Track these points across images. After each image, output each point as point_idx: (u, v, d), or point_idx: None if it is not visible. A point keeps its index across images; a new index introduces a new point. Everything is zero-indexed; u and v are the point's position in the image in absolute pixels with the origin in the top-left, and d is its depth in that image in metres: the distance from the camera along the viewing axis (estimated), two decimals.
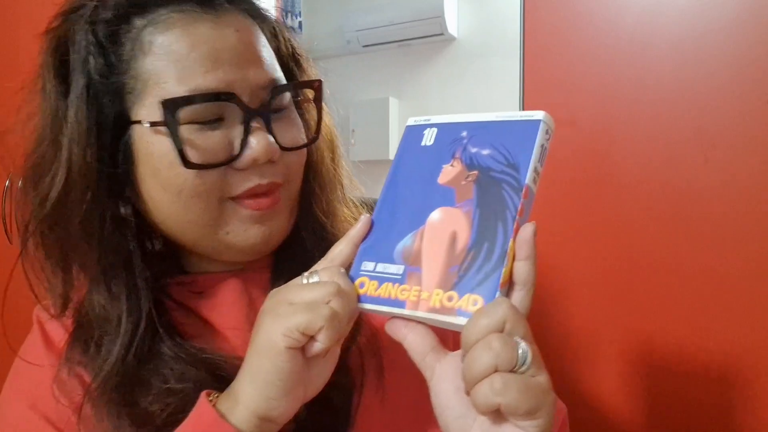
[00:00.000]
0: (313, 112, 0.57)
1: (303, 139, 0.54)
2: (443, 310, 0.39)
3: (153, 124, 0.48)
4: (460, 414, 0.40)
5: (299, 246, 0.56)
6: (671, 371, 0.85)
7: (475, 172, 0.43)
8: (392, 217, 0.46)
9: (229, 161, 0.49)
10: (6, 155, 0.61)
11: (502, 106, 1.13)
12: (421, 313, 0.40)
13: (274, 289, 0.44)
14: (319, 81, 0.55)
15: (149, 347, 0.51)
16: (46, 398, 0.51)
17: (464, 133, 0.46)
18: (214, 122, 0.49)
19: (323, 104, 0.57)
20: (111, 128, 0.50)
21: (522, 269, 0.39)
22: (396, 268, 0.43)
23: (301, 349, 0.41)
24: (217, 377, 0.49)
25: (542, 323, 0.92)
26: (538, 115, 0.42)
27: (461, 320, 0.38)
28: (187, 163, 0.47)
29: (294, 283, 0.43)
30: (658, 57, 0.85)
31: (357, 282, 0.44)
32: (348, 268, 0.45)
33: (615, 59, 0.88)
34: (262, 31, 0.54)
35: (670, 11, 0.85)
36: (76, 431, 0.50)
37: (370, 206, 0.57)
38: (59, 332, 0.57)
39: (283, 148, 0.51)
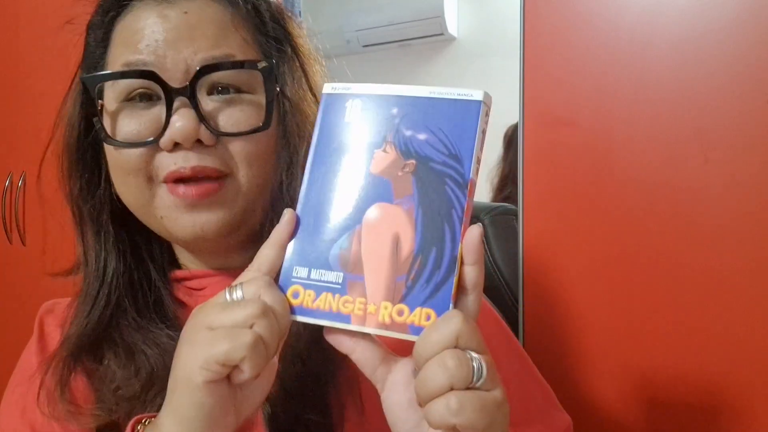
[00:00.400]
0: (301, 101, 0.54)
1: (253, 125, 0.50)
2: (394, 326, 0.37)
3: (82, 104, 0.53)
4: (413, 426, 0.38)
5: None
6: (671, 371, 0.85)
7: (413, 161, 0.39)
8: (321, 213, 0.40)
9: (152, 141, 0.48)
10: (7, 154, 0.62)
11: (502, 106, 1.12)
12: (369, 329, 0.37)
13: (198, 306, 0.40)
14: (266, 62, 0.51)
15: (115, 311, 0.52)
16: (32, 405, 0.51)
17: (394, 110, 0.40)
18: (149, 101, 0.50)
19: (304, 94, 0.54)
20: (89, 114, 0.53)
21: (471, 274, 0.37)
22: (334, 276, 0.39)
23: (226, 377, 0.37)
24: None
25: (541, 324, 0.92)
26: (477, 95, 0.39)
27: (414, 337, 0.36)
28: (106, 139, 0.50)
29: (215, 300, 0.39)
30: (658, 57, 0.85)
31: (290, 291, 0.39)
32: (277, 275, 0.40)
33: (615, 59, 0.88)
34: (235, 11, 0.52)
35: (670, 11, 0.85)
36: None
37: None
38: (56, 334, 0.56)
39: (217, 132, 0.49)
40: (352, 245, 0.39)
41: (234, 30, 0.51)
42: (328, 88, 0.43)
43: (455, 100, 0.39)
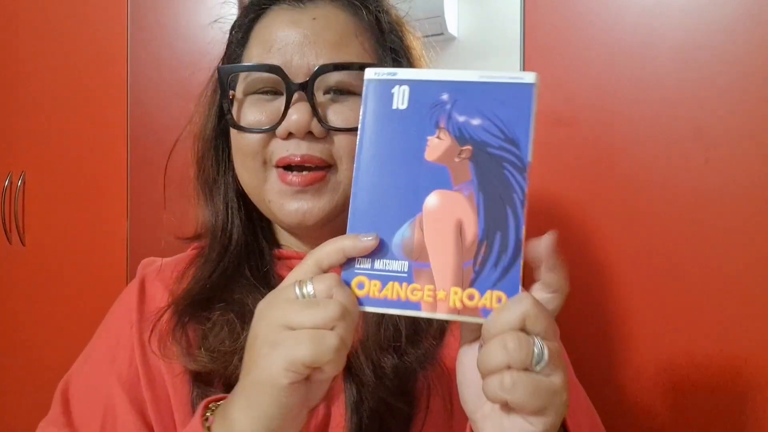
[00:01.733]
0: None
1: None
2: (466, 310, 0.37)
3: (216, 92, 0.60)
4: (477, 392, 0.40)
5: None
6: (671, 371, 0.85)
7: (469, 147, 0.39)
8: (379, 203, 0.40)
9: (270, 128, 0.55)
10: (7, 154, 0.65)
11: None
12: (441, 315, 0.38)
13: (264, 302, 0.41)
14: (367, 65, 0.54)
15: (233, 275, 0.57)
16: (123, 356, 0.55)
17: (445, 96, 0.40)
18: (274, 94, 0.56)
19: None
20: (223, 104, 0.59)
21: (549, 279, 0.39)
22: (399, 265, 0.39)
23: (305, 380, 0.38)
24: None
25: None
26: (529, 77, 0.38)
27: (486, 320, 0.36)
28: (232, 123, 0.57)
29: (286, 296, 0.39)
30: (658, 57, 0.85)
31: (354, 282, 0.40)
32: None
33: (615, 59, 0.88)
34: (358, 20, 0.58)
35: (670, 11, 0.85)
36: (140, 392, 0.53)
37: None
38: (158, 289, 0.60)
39: (327, 127, 0.54)
40: (414, 233, 0.39)
41: (354, 38, 0.57)
42: (370, 73, 0.42)
43: (507, 83, 0.39)
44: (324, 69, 0.54)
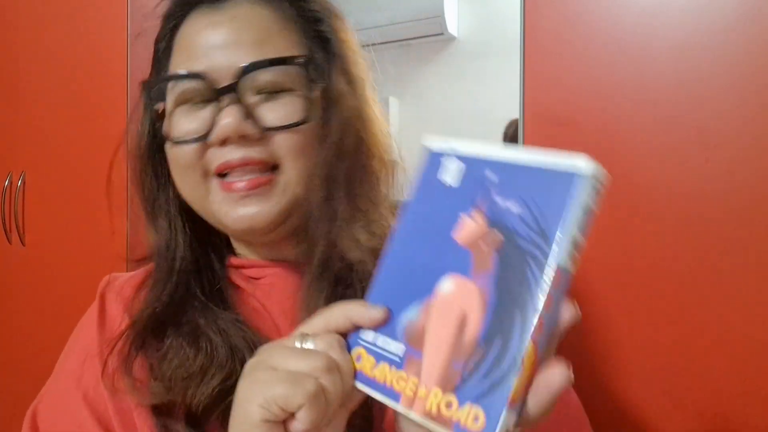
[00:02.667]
0: (344, 97, 0.56)
1: (296, 120, 0.53)
2: (439, 418, 0.34)
3: (147, 107, 0.58)
4: None
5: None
6: (670, 371, 0.85)
7: (499, 236, 0.35)
8: (400, 275, 0.39)
9: (202, 137, 0.53)
10: (7, 154, 0.65)
11: (502, 106, 1.12)
12: (414, 415, 0.35)
13: (266, 345, 0.41)
14: (303, 58, 0.54)
15: (183, 296, 0.55)
16: (89, 374, 0.54)
17: (490, 174, 0.37)
18: (203, 103, 0.54)
19: (347, 90, 0.57)
20: (154, 119, 0.58)
21: (535, 411, 0.33)
22: (396, 347, 0.37)
23: (283, 424, 0.37)
24: (233, 351, 0.51)
25: None
26: (581, 164, 0.34)
27: None
28: (166, 137, 0.55)
29: (285, 343, 0.40)
30: (658, 57, 0.85)
31: (354, 353, 0.39)
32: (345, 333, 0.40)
33: (615, 59, 0.88)
34: (280, 14, 0.56)
35: (670, 11, 0.85)
36: (106, 409, 0.52)
37: None
38: (117, 309, 0.59)
39: (261, 127, 0.52)
40: (419, 318, 0.37)
41: (278, 32, 0.55)
42: (433, 144, 0.41)
43: (555, 171, 0.34)
44: (249, 68, 0.52)
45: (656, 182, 0.85)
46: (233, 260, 0.60)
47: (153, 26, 0.61)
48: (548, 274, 0.32)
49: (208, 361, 0.51)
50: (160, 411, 0.50)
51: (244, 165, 0.52)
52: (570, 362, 0.34)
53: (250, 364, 0.40)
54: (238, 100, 0.52)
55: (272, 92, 0.54)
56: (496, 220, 0.36)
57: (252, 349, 0.51)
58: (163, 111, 0.57)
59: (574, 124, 0.90)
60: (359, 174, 0.56)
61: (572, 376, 0.33)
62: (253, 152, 0.52)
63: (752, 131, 0.80)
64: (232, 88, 0.52)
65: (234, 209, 0.53)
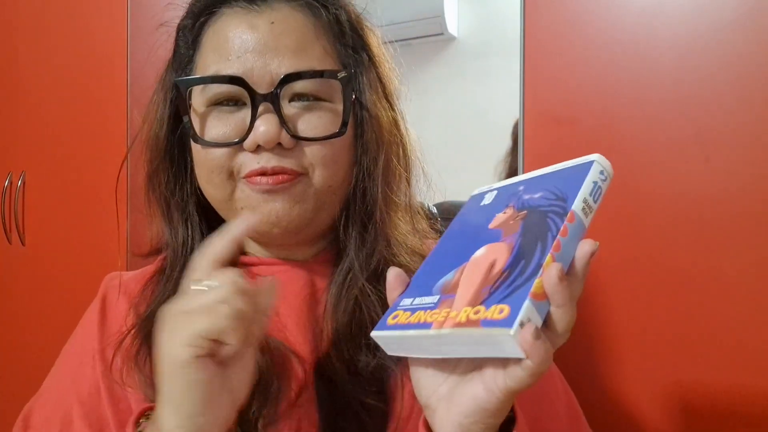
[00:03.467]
0: (379, 109, 0.57)
1: (330, 131, 0.54)
2: (468, 323, 0.36)
3: (171, 103, 0.56)
4: (432, 374, 0.42)
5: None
6: (670, 370, 0.85)
7: (525, 212, 0.42)
8: (440, 261, 0.45)
9: (237, 142, 0.53)
10: (7, 154, 0.64)
11: (502, 106, 1.12)
12: (444, 330, 0.37)
13: (166, 305, 0.42)
14: (344, 72, 0.55)
15: None
16: (85, 376, 0.54)
17: (521, 188, 0.45)
18: (236, 105, 0.54)
19: (380, 103, 0.58)
20: (178, 113, 0.57)
21: (557, 317, 0.36)
22: (431, 299, 0.41)
23: (210, 357, 0.39)
24: None
25: None
26: (593, 156, 0.42)
27: (483, 330, 0.35)
28: (196, 139, 0.54)
29: (183, 293, 0.42)
30: (658, 57, 0.85)
31: (391, 314, 0.43)
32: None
33: (615, 59, 0.88)
34: (317, 21, 0.56)
35: (670, 11, 0.85)
36: (101, 411, 0.52)
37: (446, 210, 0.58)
38: (121, 306, 0.59)
39: (296, 137, 0.53)
40: (455, 276, 0.41)
41: (315, 39, 0.55)
42: (476, 191, 0.50)
43: (572, 166, 0.42)
44: (289, 78, 0.52)
45: (656, 182, 0.85)
46: (243, 258, 0.60)
47: (176, 17, 0.60)
48: (565, 215, 0.38)
49: None
50: None
51: (276, 174, 0.53)
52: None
53: (161, 321, 0.41)
54: (276, 109, 0.52)
55: (306, 99, 0.54)
56: (522, 206, 0.42)
57: (260, 350, 0.52)
58: (184, 105, 0.56)
59: (574, 124, 0.90)
60: (393, 181, 0.58)
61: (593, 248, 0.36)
62: (285, 162, 0.53)
63: (752, 131, 0.80)
64: (270, 97, 0.52)
65: (261, 205, 0.53)
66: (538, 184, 0.43)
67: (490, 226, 0.43)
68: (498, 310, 0.35)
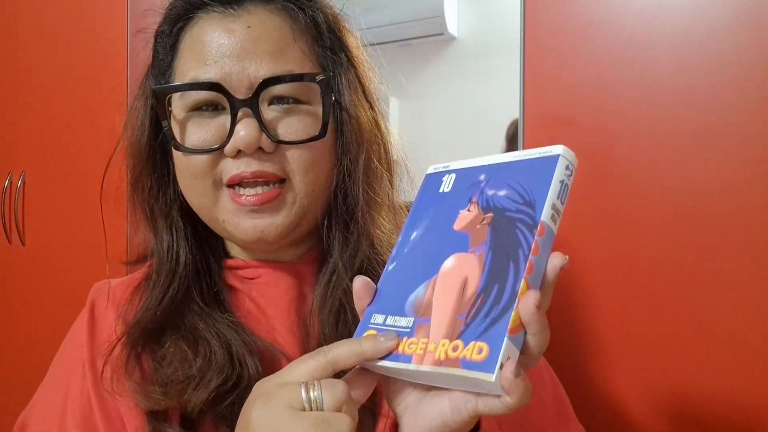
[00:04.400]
0: (359, 110, 0.57)
1: (310, 134, 0.53)
2: (447, 362, 0.36)
3: (152, 109, 0.56)
4: (399, 385, 0.42)
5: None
6: (669, 370, 0.85)
7: (490, 214, 0.40)
8: (406, 268, 0.43)
9: (217, 148, 0.52)
10: (7, 154, 0.64)
11: (502, 106, 1.12)
12: (425, 368, 0.37)
13: (264, 399, 0.38)
14: (323, 75, 0.54)
15: (183, 299, 0.55)
16: (77, 387, 0.54)
17: (482, 177, 0.43)
18: (215, 110, 0.54)
19: (360, 103, 0.57)
20: (159, 119, 0.56)
21: (533, 344, 0.36)
22: (406, 321, 0.40)
23: None
24: (231, 354, 0.51)
25: None
26: (557, 149, 0.40)
27: (464, 372, 0.34)
28: (177, 146, 0.54)
29: (291, 401, 0.37)
30: (658, 57, 0.85)
31: (364, 336, 0.41)
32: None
33: (615, 59, 0.88)
34: (294, 23, 0.55)
35: (670, 11, 0.85)
36: (95, 423, 0.52)
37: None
38: (110, 315, 0.58)
39: (276, 141, 0.52)
40: (426, 293, 0.40)
41: (293, 42, 0.55)
42: (430, 169, 0.48)
43: (535, 158, 0.40)
44: (268, 83, 0.52)
45: (655, 181, 0.85)
46: (228, 262, 0.60)
47: (153, 24, 0.60)
48: (535, 228, 0.37)
49: (206, 365, 0.51)
50: (156, 414, 0.50)
51: (257, 178, 0.52)
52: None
53: (261, 420, 0.37)
54: (255, 113, 0.52)
55: (285, 103, 0.54)
56: (488, 205, 0.41)
57: (250, 352, 0.52)
58: (163, 113, 0.55)
59: (574, 124, 0.90)
60: (374, 181, 0.57)
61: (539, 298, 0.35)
62: (266, 166, 0.52)
63: (752, 131, 0.80)
64: (249, 102, 0.51)
65: (244, 221, 0.53)
66: (501, 177, 0.41)
67: (456, 227, 0.42)
68: (477, 349, 0.35)
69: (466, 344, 0.35)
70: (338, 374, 0.40)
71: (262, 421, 0.37)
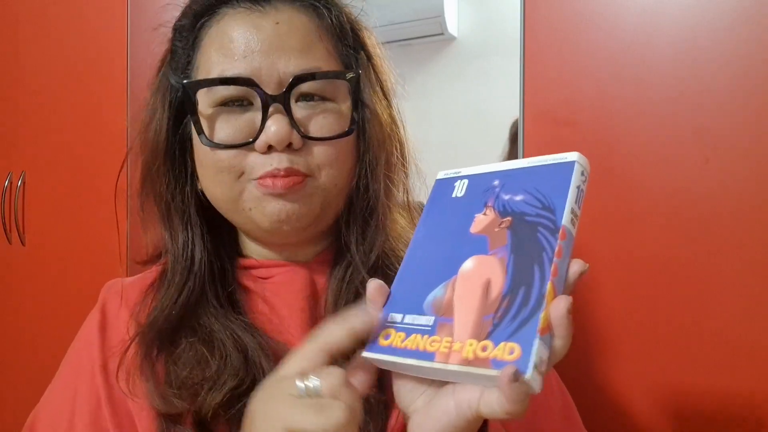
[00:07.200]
0: (379, 107, 0.58)
1: (337, 131, 0.54)
2: (477, 361, 0.35)
3: (182, 104, 0.56)
4: (411, 387, 0.41)
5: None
6: (669, 370, 0.85)
7: (509, 218, 0.41)
8: (422, 269, 0.43)
9: (247, 143, 0.52)
10: (7, 154, 0.64)
11: (502, 106, 1.12)
12: (452, 366, 0.36)
13: (264, 392, 0.39)
14: (353, 73, 0.55)
15: (198, 299, 0.55)
16: (84, 391, 0.54)
17: (496, 182, 0.43)
18: (243, 106, 0.54)
19: (379, 101, 0.58)
20: (178, 114, 0.57)
21: (559, 347, 0.36)
22: (426, 320, 0.40)
23: None
24: (246, 357, 0.51)
25: None
26: (572, 156, 0.40)
27: (495, 372, 0.34)
28: (205, 140, 0.53)
29: (288, 391, 0.38)
30: (658, 57, 0.85)
31: (382, 333, 0.41)
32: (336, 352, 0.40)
33: (615, 59, 0.88)
34: (320, 22, 0.56)
35: (671, 11, 0.85)
36: (104, 423, 0.52)
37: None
38: (122, 315, 0.58)
39: (305, 137, 0.53)
40: (446, 293, 0.40)
41: (319, 40, 0.55)
42: (440, 174, 0.48)
43: (550, 164, 0.41)
44: (300, 79, 0.52)
45: (655, 181, 0.85)
46: (242, 261, 0.60)
47: (172, 19, 0.59)
48: (557, 232, 0.38)
49: (222, 368, 0.51)
50: (169, 416, 0.50)
51: (289, 175, 0.53)
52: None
53: (257, 420, 0.38)
54: (286, 109, 0.52)
55: (312, 99, 0.54)
56: (505, 210, 0.41)
57: (266, 355, 0.52)
58: (192, 108, 0.55)
59: (574, 124, 0.90)
60: (393, 177, 0.59)
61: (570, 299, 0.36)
62: (296, 163, 0.53)
63: (752, 131, 0.80)
64: (280, 98, 0.52)
65: (270, 204, 0.53)
66: (517, 183, 0.42)
67: (472, 230, 0.42)
68: (508, 350, 0.35)
69: (496, 345, 0.35)
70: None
71: (260, 411, 0.39)
